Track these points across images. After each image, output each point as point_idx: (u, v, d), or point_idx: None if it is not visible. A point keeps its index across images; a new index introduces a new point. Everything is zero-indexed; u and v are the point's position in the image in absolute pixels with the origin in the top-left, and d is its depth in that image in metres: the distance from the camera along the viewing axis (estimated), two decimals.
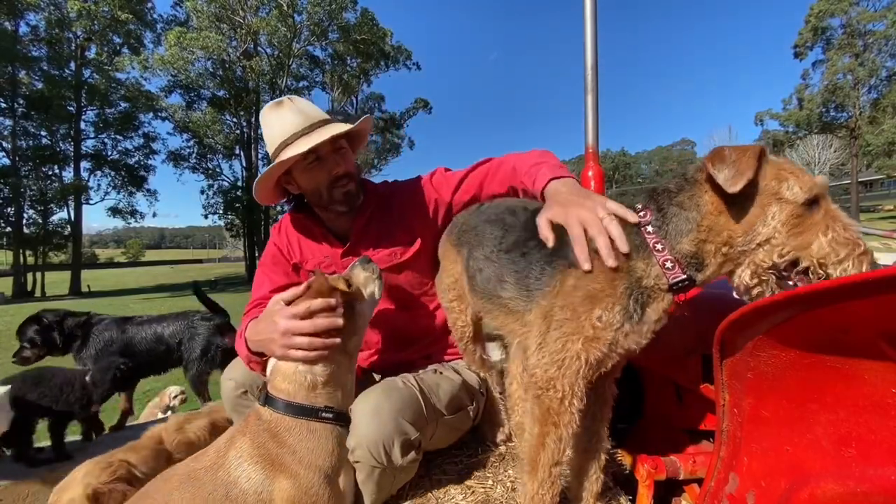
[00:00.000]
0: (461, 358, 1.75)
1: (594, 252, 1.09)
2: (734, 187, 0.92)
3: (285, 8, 27.61)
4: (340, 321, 1.25)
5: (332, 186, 1.58)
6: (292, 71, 31.18)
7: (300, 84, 33.27)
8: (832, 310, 0.65)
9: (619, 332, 1.07)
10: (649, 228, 1.08)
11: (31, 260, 28.67)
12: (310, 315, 1.23)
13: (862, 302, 0.61)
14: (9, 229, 27.11)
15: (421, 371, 1.60)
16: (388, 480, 1.35)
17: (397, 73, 35.51)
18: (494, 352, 1.95)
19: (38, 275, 28.79)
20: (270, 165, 1.52)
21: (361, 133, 1.70)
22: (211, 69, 29.68)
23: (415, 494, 1.47)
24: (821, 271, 0.89)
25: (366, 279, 1.45)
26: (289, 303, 1.28)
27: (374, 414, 1.30)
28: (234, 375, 1.60)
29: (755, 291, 0.98)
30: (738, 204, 0.99)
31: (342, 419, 1.28)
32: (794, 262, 0.93)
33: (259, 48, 30.09)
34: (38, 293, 27.60)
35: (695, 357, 1.39)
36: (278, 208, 34.40)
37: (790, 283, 0.93)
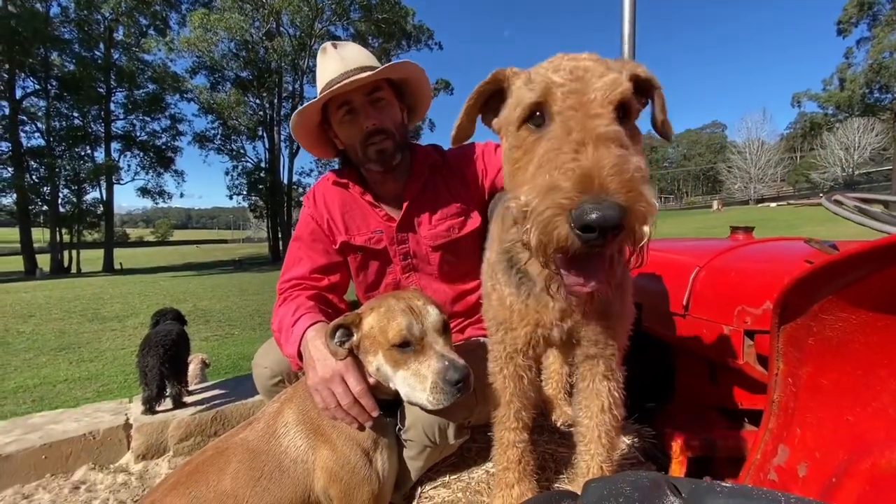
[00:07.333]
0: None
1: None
2: None
3: None
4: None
5: (366, 143, 1.46)
6: (314, 51, 31.08)
7: None
8: None
9: (508, 303, 1.06)
10: None
11: (66, 238, 29.85)
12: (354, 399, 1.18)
13: None
14: (45, 208, 28.23)
15: (467, 350, 1.49)
16: (436, 456, 1.36)
17: (419, 53, 35.04)
18: None
19: (74, 252, 29.99)
20: (299, 109, 1.48)
21: (410, 83, 1.55)
22: (234, 50, 29.91)
23: None
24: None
25: (436, 378, 1.11)
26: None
27: None
28: (268, 363, 1.55)
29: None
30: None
31: (383, 408, 1.23)
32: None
33: (281, 28, 30.08)
34: (73, 270, 28.81)
35: (734, 332, 1.34)
36: (300, 190, 34.94)
37: None
